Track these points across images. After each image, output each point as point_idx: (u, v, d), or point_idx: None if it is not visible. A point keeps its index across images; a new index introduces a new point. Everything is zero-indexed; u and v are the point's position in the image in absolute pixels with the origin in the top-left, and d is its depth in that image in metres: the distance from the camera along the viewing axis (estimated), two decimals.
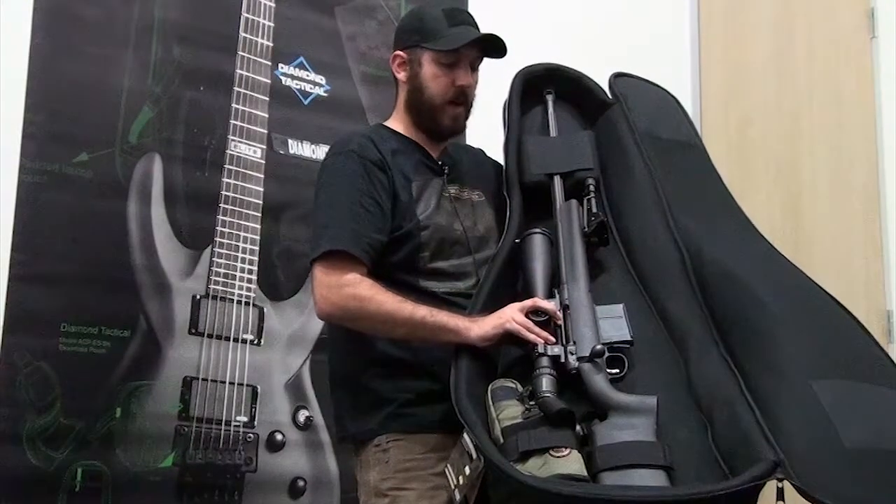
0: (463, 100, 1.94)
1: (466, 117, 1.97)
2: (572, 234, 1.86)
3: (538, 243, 1.85)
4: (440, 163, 1.98)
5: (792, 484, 1.46)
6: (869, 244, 2.84)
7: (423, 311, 1.73)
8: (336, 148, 1.93)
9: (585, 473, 1.51)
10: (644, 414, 1.59)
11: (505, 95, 2.11)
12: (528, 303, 1.74)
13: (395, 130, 1.98)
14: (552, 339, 1.70)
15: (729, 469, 1.55)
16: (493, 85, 2.03)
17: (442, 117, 1.94)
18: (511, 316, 1.71)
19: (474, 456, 1.57)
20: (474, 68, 1.96)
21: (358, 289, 1.76)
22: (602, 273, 1.89)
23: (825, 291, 1.79)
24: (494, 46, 1.93)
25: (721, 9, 3.44)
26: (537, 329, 1.70)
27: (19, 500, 2.21)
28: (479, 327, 1.71)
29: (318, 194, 1.88)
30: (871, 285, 2.80)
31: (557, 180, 1.98)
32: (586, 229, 1.87)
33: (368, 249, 1.80)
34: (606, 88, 2.17)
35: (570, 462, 1.51)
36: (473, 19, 1.98)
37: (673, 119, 2.19)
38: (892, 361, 1.68)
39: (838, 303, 1.76)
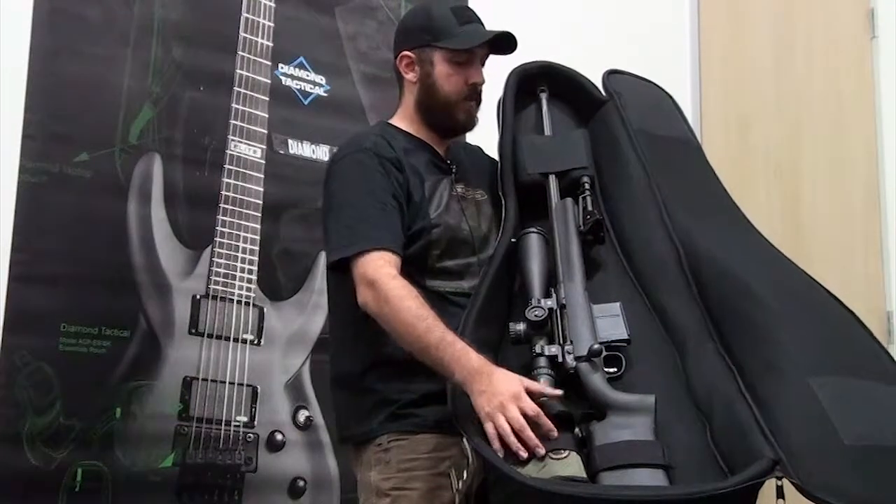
0: (475, 96, 1.94)
1: (476, 113, 1.97)
2: (568, 233, 1.86)
3: (534, 243, 1.85)
4: (447, 162, 1.98)
5: (791, 482, 1.46)
6: (869, 244, 2.84)
7: (432, 339, 1.66)
8: (351, 146, 1.91)
9: (584, 475, 1.50)
10: (642, 413, 1.59)
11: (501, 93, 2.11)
12: (534, 387, 1.59)
13: (402, 129, 1.98)
14: (524, 454, 1.53)
15: (728, 467, 1.55)
16: (490, 82, 2.03)
17: (457, 114, 1.94)
18: (499, 405, 1.55)
19: (471, 459, 1.57)
20: (483, 64, 1.96)
21: (391, 289, 1.72)
22: (598, 271, 1.89)
23: (822, 287, 1.79)
24: (507, 43, 1.94)
25: (721, 9, 3.44)
26: (527, 435, 1.53)
27: (19, 500, 2.21)
28: (478, 396, 1.57)
29: (338, 192, 1.86)
30: (871, 285, 2.80)
31: (552, 179, 1.97)
32: (582, 228, 1.87)
33: (402, 245, 1.80)
34: (600, 86, 2.17)
35: (569, 464, 1.51)
36: (478, 16, 1.98)
37: (667, 116, 2.18)
38: (891, 357, 1.68)
39: (836, 298, 1.76)
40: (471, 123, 1.97)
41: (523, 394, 1.56)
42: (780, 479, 1.46)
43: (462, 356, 1.63)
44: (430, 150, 1.97)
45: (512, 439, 1.53)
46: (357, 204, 1.82)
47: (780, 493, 1.45)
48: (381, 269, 1.74)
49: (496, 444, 1.54)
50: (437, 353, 1.65)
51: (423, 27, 1.95)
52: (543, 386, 1.61)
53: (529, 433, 1.53)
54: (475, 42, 1.90)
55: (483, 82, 1.95)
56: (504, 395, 1.55)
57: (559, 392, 1.61)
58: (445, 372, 1.65)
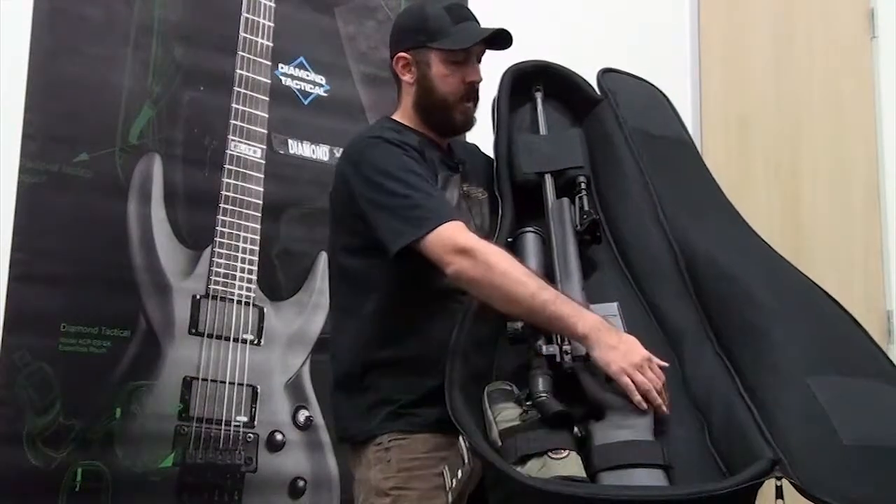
0: (473, 95, 1.94)
1: (474, 112, 1.96)
2: (565, 233, 1.86)
3: (531, 242, 1.85)
4: (454, 160, 1.98)
5: (790, 482, 1.46)
6: (869, 244, 2.84)
7: (546, 296, 1.66)
8: (371, 139, 1.87)
9: (584, 475, 1.50)
10: (641, 413, 1.59)
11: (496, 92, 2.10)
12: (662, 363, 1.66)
13: (408, 126, 1.97)
14: (665, 410, 1.61)
15: (727, 468, 1.55)
16: (486, 81, 2.03)
17: (454, 115, 1.93)
18: (634, 364, 1.61)
19: (466, 459, 1.57)
20: (479, 61, 1.96)
21: (489, 253, 1.70)
22: (595, 271, 1.88)
23: (819, 287, 1.79)
24: (503, 39, 1.93)
25: (721, 9, 3.44)
26: (656, 394, 1.60)
27: (19, 500, 2.21)
28: (609, 350, 1.61)
29: (380, 179, 1.79)
30: (871, 285, 2.80)
31: (548, 179, 1.97)
32: (579, 227, 1.87)
33: None
34: (595, 85, 2.16)
35: (569, 463, 1.50)
36: (473, 13, 1.97)
37: (662, 115, 2.18)
38: (887, 357, 1.68)
39: (832, 298, 1.76)
40: (469, 124, 1.96)
41: (653, 357, 1.63)
42: (779, 479, 1.46)
43: (582, 311, 1.67)
44: (438, 147, 1.97)
45: (654, 395, 1.60)
46: (410, 185, 1.77)
47: (779, 494, 1.46)
48: (468, 234, 1.72)
49: (637, 397, 1.59)
50: (556, 308, 1.65)
51: (417, 28, 1.94)
52: (664, 363, 1.66)
53: (664, 394, 1.62)
54: (470, 41, 1.89)
55: (480, 80, 1.94)
56: (640, 355, 1.62)
57: (667, 364, 1.66)
58: (564, 325, 1.65)
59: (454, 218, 1.74)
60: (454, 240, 1.71)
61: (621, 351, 1.62)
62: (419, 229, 1.72)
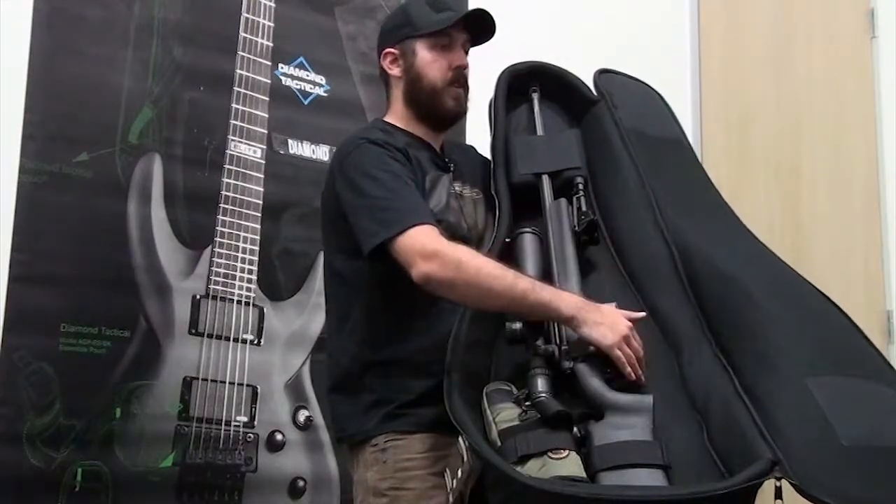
0: (462, 81, 1.94)
1: (466, 100, 1.96)
2: (563, 234, 1.85)
3: (528, 243, 1.85)
4: (445, 160, 1.98)
5: (790, 482, 1.46)
6: (869, 244, 2.84)
7: (524, 284, 1.67)
8: (356, 141, 1.87)
9: (584, 475, 1.50)
10: (640, 413, 1.59)
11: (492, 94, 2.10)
12: (638, 316, 1.71)
13: (398, 126, 1.97)
14: (643, 381, 1.65)
15: (726, 468, 1.54)
16: (483, 82, 2.03)
17: (444, 100, 1.93)
18: (623, 336, 1.64)
19: (465, 458, 1.57)
20: (466, 52, 1.96)
21: (458, 252, 1.69)
22: (593, 272, 1.88)
23: (815, 287, 1.79)
24: (485, 27, 1.93)
25: (721, 8, 3.44)
26: (636, 362, 1.66)
27: (19, 500, 2.21)
28: (596, 327, 1.64)
29: (360, 181, 1.80)
30: (871, 285, 2.80)
31: (546, 179, 1.97)
32: (576, 228, 1.86)
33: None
34: (591, 86, 2.17)
35: (569, 463, 1.50)
36: (457, 4, 1.98)
37: (658, 116, 2.18)
38: (884, 358, 1.68)
39: (828, 299, 1.76)
40: (461, 110, 1.96)
41: (632, 328, 1.67)
42: (778, 479, 1.46)
43: (560, 294, 1.69)
44: (429, 147, 1.97)
45: (637, 368, 1.65)
46: (386, 187, 1.78)
47: (778, 494, 1.45)
48: (437, 238, 1.71)
49: (627, 370, 1.63)
50: (535, 296, 1.66)
51: (401, 23, 1.97)
52: (639, 314, 1.72)
53: (642, 363, 1.66)
54: (450, 21, 1.90)
55: (466, 66, 1.94)
56: (625, 325, 1.66)
57: (642, 315, 1.73)
58: (548, 311, 1.66)
59: (427, 221, 1.74)
60: (424, 244, 1.69)
61: (608, 325, 1.64)
62: (389, 230, 1.72)
